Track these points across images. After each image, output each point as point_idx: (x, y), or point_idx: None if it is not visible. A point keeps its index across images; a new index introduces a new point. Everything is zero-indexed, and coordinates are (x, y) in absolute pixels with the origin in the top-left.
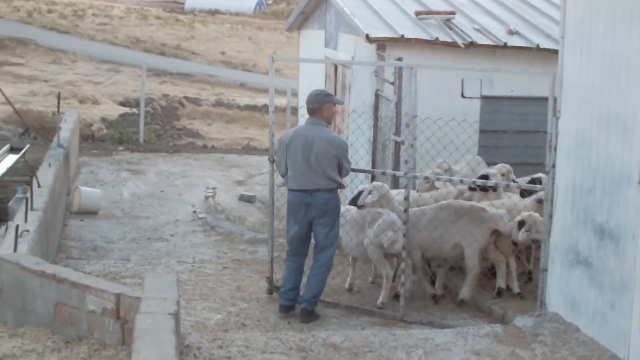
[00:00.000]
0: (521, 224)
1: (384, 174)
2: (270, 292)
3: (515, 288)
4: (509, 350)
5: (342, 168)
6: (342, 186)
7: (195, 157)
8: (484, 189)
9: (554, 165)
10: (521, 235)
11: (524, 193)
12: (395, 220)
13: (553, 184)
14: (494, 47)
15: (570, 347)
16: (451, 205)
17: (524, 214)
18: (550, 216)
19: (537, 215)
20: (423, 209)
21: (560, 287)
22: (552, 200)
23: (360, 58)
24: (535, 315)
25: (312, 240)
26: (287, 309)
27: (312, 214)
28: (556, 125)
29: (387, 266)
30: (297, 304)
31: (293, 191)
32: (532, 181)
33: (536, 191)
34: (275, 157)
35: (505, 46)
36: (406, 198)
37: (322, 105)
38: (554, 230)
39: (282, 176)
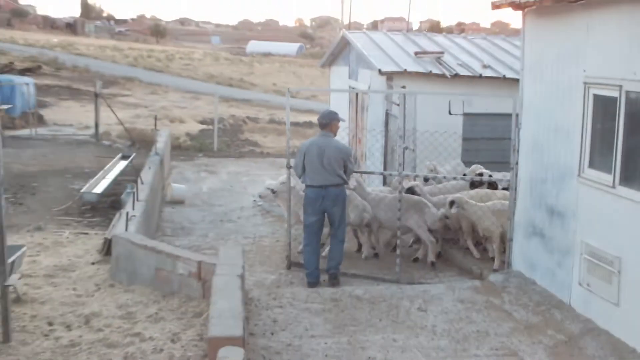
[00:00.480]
0: (451, 203)
1: (381, 174)
2: (289, 267)
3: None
4: (485, 298)
5: (347, 168)
6: (346, 182)
7: (255, 161)
8: (473, 184)
9: (517, 163)
10: (453, 211)
11: (493, 185)
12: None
13: (516, 176)
14: (473, 77)
15: (529, 296)
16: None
17: (455, 195)
18: (514, 200)
19: (464, 197)
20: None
21: (522, 252)
22: (515, 189)
23: (375, 86)
24: (504, 273)
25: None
26: (314, 284)
27: (326, 203)
28: (518, 133)
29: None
30: (326, 271)
31: (311, 187)
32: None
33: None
34: (294, 162)
35: (480, 77)
36: (400, 190)
37: (331, 122)
38: (517, 211)
39: (299, 176)
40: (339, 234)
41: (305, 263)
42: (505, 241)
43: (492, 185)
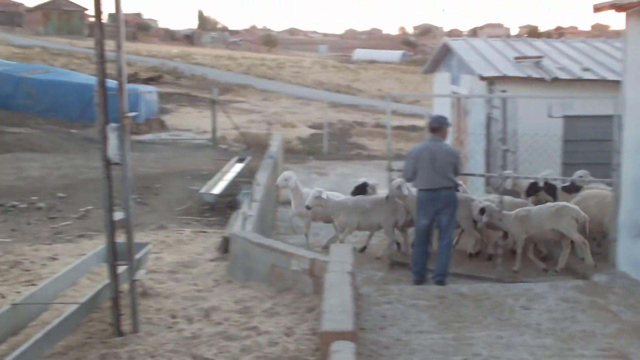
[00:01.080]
0: (481, 210)
1: (482, 176)
2: (391, 266)
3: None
4: (589, 298)
5: (457, 171)
6: (457, 184)
7: (362, 163)
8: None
9: (619, 164)
10: (484, 219)
11: (570, 188)
12: None
13: (619, 177)
14: (572, 81)
15: (636, 297)
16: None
17: (485, 202)
18: (617, 201)
19: (493, 205)
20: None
21: (628, 253)
22: (618, 189)
23: (475, 92)
24: (609, 274)
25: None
26: (420, 282)
27: (438, 206)
28: (620, 135)
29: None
30: (432, 278)
31: (423, 190)
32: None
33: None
34: (404, 165)
35: (580, 80)
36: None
37: (441, 126)
38: (620, 211)
39: (409, 180)
40: (446, 236)
41: (413, 262)
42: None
43: (551, 189)
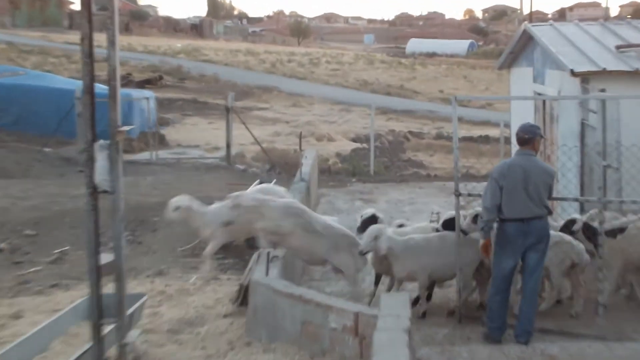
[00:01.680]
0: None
1: (576, 200)
2: (459, 320)
3: None
4: None
5: (551, 195)
6: (551, 212)
7: (420, 186)
8: None
9: None
10: None
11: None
12: None
13: None
14: None
15: None
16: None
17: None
18: None
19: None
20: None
21: None
22: None
23: (566, 91)
24: None
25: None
26: (498, 341)
27: (529, 241)
28: None
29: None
30: (515, 336)
31: (510, 221)
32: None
33: None
34: (488, 189)
35: None
36: (601, 222)
37: (534, 137)
38: None
39: (488, 208)
40: (532, 281)
41: (491, 316)
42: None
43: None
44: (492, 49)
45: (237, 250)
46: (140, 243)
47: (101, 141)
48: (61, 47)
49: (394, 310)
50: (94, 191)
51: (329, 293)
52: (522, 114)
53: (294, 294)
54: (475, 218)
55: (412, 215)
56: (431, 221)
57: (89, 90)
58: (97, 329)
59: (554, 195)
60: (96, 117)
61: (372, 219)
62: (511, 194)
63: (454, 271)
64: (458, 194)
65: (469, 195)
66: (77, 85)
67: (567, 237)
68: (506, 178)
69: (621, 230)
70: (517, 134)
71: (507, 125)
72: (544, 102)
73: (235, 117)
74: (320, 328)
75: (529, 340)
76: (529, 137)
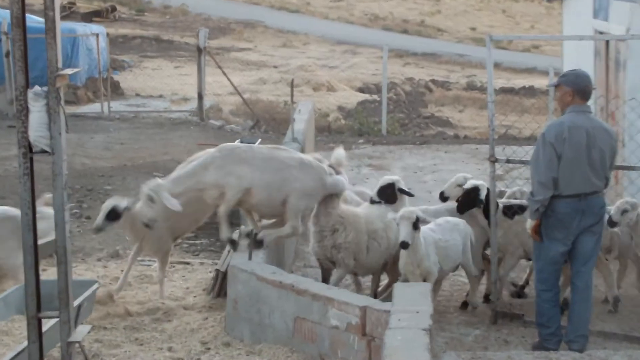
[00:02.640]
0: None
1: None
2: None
3: None
4: None
5: (612, 164)
6: (607, 186)
7: (445, 149)
8: None
9: None
10: None
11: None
12: None
13: None
14: None
15: None
16: None
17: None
18: None
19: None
20: None
21: None
22: None
23: (637, 30)
24: None
25: None
26: (549, 347)
27: (587, 222)
28: None
29: None
30: (566, 342)
31: (565, 198)
32: None
33: None
34: (540, 156)
35: None
36: None
37: (591, 90)
38: None
39: (544, 183)
40: (585, 272)
41: (543, 317)
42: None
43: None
44: None
45: (212, 229)
46: (89, 218)
47: (36, 88)
48: None
49: (411, 304)
50: (29, 151)
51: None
52: (577, 59)
53: (285, 283)
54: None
55: (435, 187)
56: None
57: (19, 22)
58: (34, 324)
59: (618, 164)
60: (30, 57)
61: (391, 188)
62: (571, 165)
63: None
64: (494, 160)
65: (508, 161)
66: (3, 15)
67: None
68: (566, 143)
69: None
70: (582, 84)
71: (558, 74)
72: (607, 43)
73: (209, 59)
74: (318, 326)
75: (585, 347)
76: (590, 90)
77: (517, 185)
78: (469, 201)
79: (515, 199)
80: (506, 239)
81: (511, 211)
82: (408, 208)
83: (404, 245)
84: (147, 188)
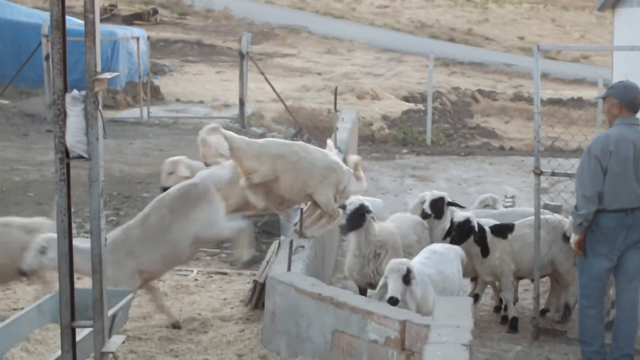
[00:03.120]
0: None
1: None
2: (536, 337)
3: None
4: None
5: None
6: None
7: (490, 161)
8: None
9: None
10: None
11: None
12: None
13: None
14: None
15: None
16: None
17: None
18: None
19: None
20: None
21: None
22: None
23: None
24: None
25: None
26: None
27: (633, 237)
28: None
29: None
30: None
31: (610, 212)
32: None
33: None
34: (585, 170)
35: None
36: None
37: None
38: None
39: (588, 197)
40: (632, 289)
41: (586, 334)
42: None
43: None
44: None
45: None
46: None
47: (74, 92)
48: None
49: (452, 319)
50: (66, 157)
51: (369, 296)
52: (627, 71)
53: (324, 295)
54: None
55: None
56: (504, 207)
57: (59, 25)
58: (68, 333)
59: None
60: (70, 61)
61: (441, 203)
62: (618, 179)
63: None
64: (539, 173)
65: (553, 174)
66: (43, 18)
67: None
68: (612, 157)
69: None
70: (635, 97)
71: (608, 85)
72: None
73: (251, 65)
74: (356, 339)
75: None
76: (639, 102)
77: (563, 199)
78: (463, 233)
79: (487, 205)
80: (502, 260)
81: (501, 232)
82: (398, 260)
83: (393, 301)
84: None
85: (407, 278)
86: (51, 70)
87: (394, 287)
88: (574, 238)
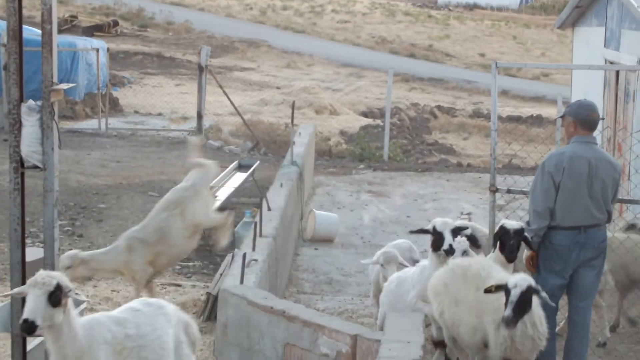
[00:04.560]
0: None
1: None
2: None
3: None
4: None
5: (615, 197)
6: (610, 220)
7: (447, 177)
8: None
9: None
10: None
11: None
12: None
13: None
14: None
15: None
16: None
17: None
18: None
19: None
20: None
21: None
22: None
23: None
24: None
25: None
26: None
27: (586, 255)
28: None
29: None
30: None
31: (563, 230)
32: None
33: None
34: (538, 186)
35: None
36: None
37: (597, 120)
38: None
39: (539, 212)
40: (585, 307)
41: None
42: None
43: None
44: (552, 2)
45: (205, 250)
46: (81, 236)
47: (30, 102)
48: None
49: (403, 334)
50: (20, 166)
51: (322, 310)
52: (586, 89)
53: (275, 309)
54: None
55: (435, 215)
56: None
57: (16, 35)
58: (19, 342)
59: (623, 195)
60: (28, 71)
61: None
62: (571, 195)
63: None
64: (494, 190)
65: (509, 191)
66: (2, 27)
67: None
68: (565, 173)
69: None
70: (588, 115)
71: (567, 103)
72: (617, 73)
73: (210, 78)
74: (308, 353)
75: None
76: (596, 121)
77: (518, 217)
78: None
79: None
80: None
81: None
82: (45, 272)
83: (27, 327)
84: None
85: (55, 296)
86: (7, 80)
87: (32, 307)
88: (526, 254)
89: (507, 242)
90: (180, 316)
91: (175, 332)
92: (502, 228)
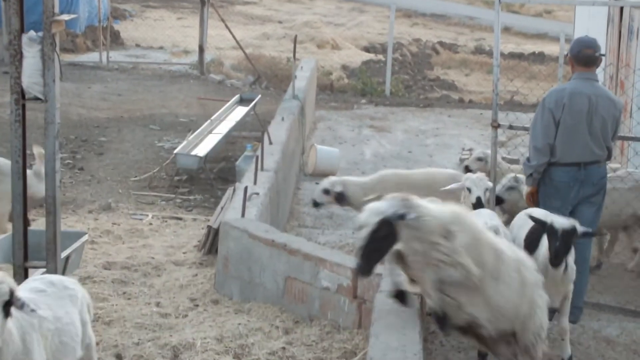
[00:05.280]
0: None
1: None
2: None
3: None
4: None
5: (616, 134)
6: (610, 156)
7: (449, 113)
8: None
9: None
10: None
11: None
12: None
13: None
14: None
15: None
16: None
17: None
18: None
19: None
20: None
21: None
22: None
23: None
24: None
25: None
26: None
27: (585, 192)
28: None
29: None
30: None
31: (563, 166)
32: None
33: None
34: (538, 123)
35: None
36: None
37: (600, 56)
38: None
39: (539, 149)
40: (585, 244)
41: None
42: None
43: None
44: None
45: (206, 183)
46: (82, 169)
47: (31, 33)
48: None
49: None
50: (21, 98)
51: (323, 243)
52: (589, 25)
53: (277, 242)
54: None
55: (436, 151)
56: (461, 159)
57: None
58: (20, 273)
59: (623, 134)
60: (28, 2)
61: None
62: (570, 132)
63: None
64: (496, 125)
65: (511, 127)
66: None
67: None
68: (565, 110)
69: None
70: (580, 51)
71: (570, 40)
72: (621, 10)
73: (212, 12)
74: (309, 286)
75: (579, 319)
76: (596, 57)
77: (520, 153)
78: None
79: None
80: None
81: None
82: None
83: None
84: None
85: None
86: (7, 10)
87: None
88: (525, 190)
89: (552, 244)
90: (84, 295)
91: (81, 312)
92: (550, 227)
